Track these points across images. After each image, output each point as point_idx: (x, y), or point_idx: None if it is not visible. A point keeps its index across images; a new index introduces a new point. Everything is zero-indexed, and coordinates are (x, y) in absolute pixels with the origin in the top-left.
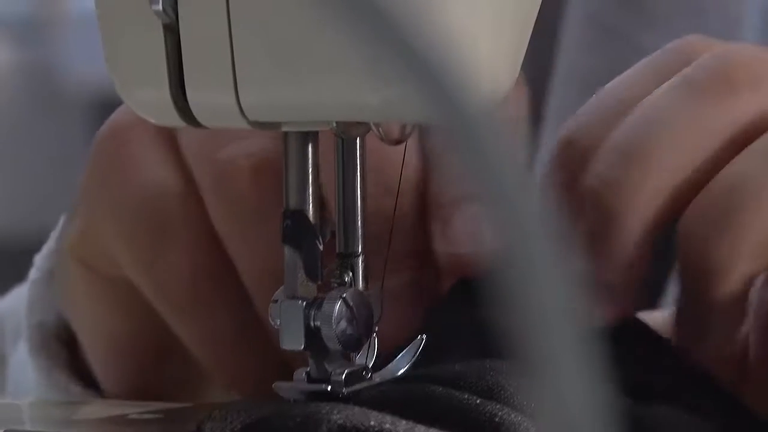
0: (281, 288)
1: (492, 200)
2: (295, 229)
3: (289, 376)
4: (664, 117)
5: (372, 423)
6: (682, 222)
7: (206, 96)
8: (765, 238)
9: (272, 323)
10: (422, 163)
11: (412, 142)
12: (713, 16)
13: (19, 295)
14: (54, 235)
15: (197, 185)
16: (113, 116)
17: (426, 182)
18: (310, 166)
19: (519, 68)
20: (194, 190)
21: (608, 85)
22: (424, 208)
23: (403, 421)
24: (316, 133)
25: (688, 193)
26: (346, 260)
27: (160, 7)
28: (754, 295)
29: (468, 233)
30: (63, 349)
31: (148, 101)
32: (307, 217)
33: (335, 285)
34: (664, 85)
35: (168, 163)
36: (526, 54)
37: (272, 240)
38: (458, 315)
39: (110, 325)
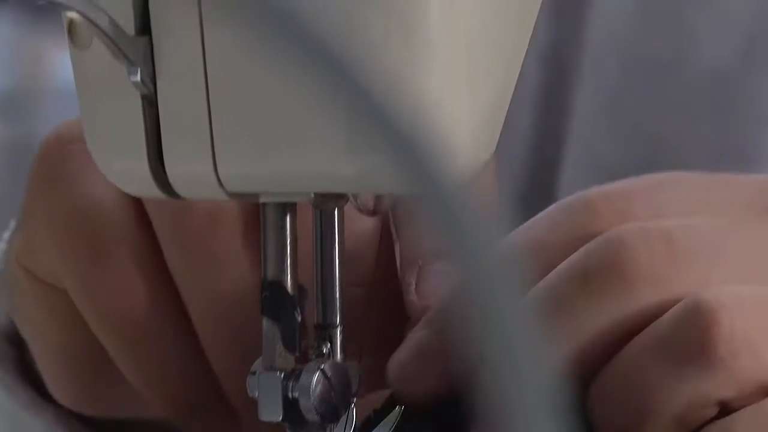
0: (259, 359)
1: (466, 276)
2: (274, 301)
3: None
4: (556, 311)
5: None
6: (589, 402)
7: (185, 167)
8: (670, 421)
9: (250, 395)
10: (384, 227)
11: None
12: (732, 108)
13: None
14: (5, 237)
15: (151, 222)
16: (58, 128)
17: (390, 244)
18: (288, 237)
19: (497, 138)
20: (140, 214)
21: (516, 235)
22: (386, 275)
23: None
24: (294, 204)
25: (584, 375)
26: (324, 331)
27: (138, 78)
28: None
29: (442, 284)
30: (11, 349)
31: (127, 172)
32: (285, 289)
33: (313, 356)
34: (557, 272)
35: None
36: (536, 137)
37: (224, 286)
38: None
39: (56, 335)
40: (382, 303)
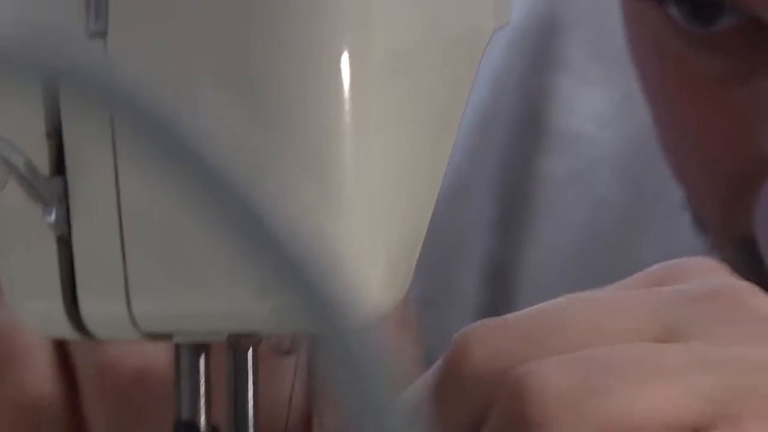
0: None
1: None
2: None
3: None
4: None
5: None
6: None
7: (99, 307)
8: None
9: None
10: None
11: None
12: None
13: None
14: None
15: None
16: None
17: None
18: (202, 377)
19: (410, 279)
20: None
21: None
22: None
23: None
24: (209, 344)
25: None
26: None
27: (53, 218)
28: None
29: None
30: None
31: (41, 313)
32: (198, 429)
33: None
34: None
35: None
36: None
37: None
38: None
39: None
40: None
